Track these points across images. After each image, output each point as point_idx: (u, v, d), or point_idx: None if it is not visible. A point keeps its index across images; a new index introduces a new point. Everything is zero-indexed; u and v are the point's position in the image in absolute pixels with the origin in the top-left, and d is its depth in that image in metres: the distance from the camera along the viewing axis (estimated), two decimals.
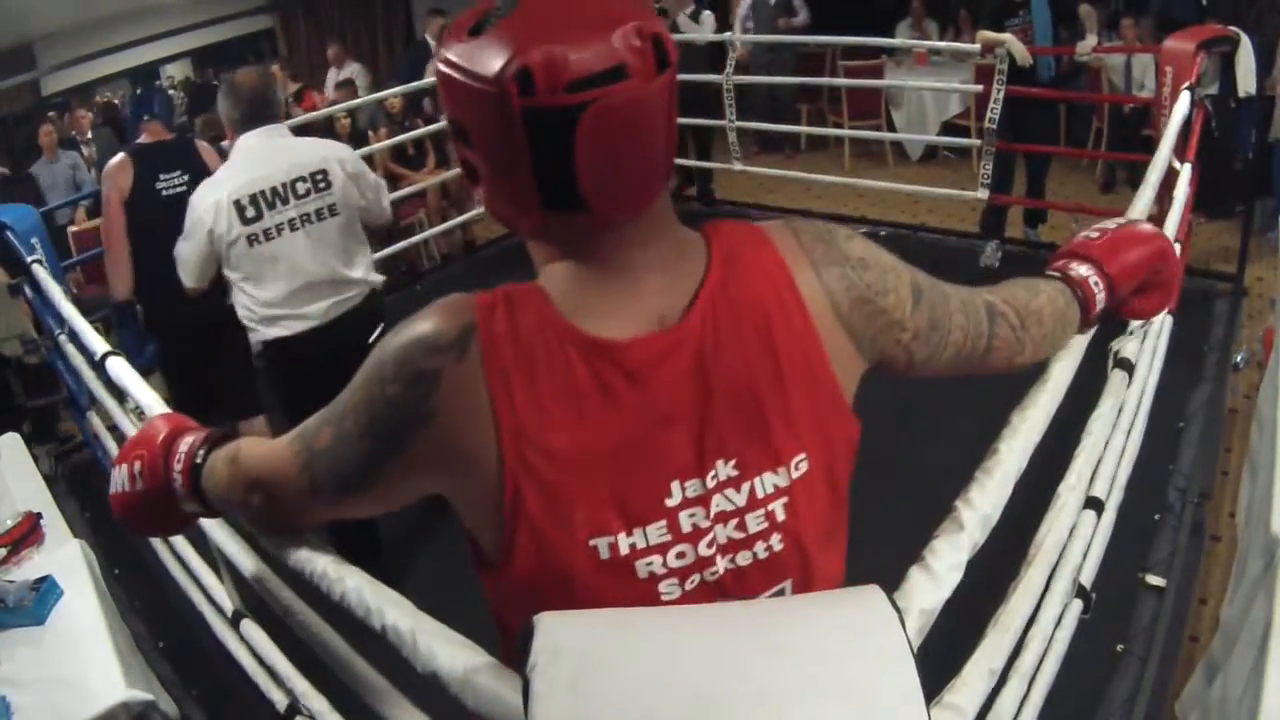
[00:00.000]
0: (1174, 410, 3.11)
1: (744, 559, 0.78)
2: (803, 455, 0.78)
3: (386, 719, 1.16)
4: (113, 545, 3.07)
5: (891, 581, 0.88)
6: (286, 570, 1.12)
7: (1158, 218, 2.81)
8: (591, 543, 0.74)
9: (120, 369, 1.91)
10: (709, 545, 0.77)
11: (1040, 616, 1.34)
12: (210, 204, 2.27)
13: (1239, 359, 3.53)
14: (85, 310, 2.53)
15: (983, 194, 4.50)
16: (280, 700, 1.82)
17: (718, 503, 0.76)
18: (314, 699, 1.57)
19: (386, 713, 1.16)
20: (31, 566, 2.18)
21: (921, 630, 0.84)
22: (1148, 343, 2.02)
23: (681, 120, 0.85)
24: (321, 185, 2.35)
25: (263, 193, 2.29)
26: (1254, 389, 3.19)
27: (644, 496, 0.74)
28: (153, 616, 2.81)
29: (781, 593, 0.81)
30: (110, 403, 2.62)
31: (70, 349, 2.90)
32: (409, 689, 1.14)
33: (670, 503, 0.75)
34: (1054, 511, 1.25)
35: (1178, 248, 2.60)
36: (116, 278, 2.89)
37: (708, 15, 5.70)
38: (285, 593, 1.34)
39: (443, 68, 0.72)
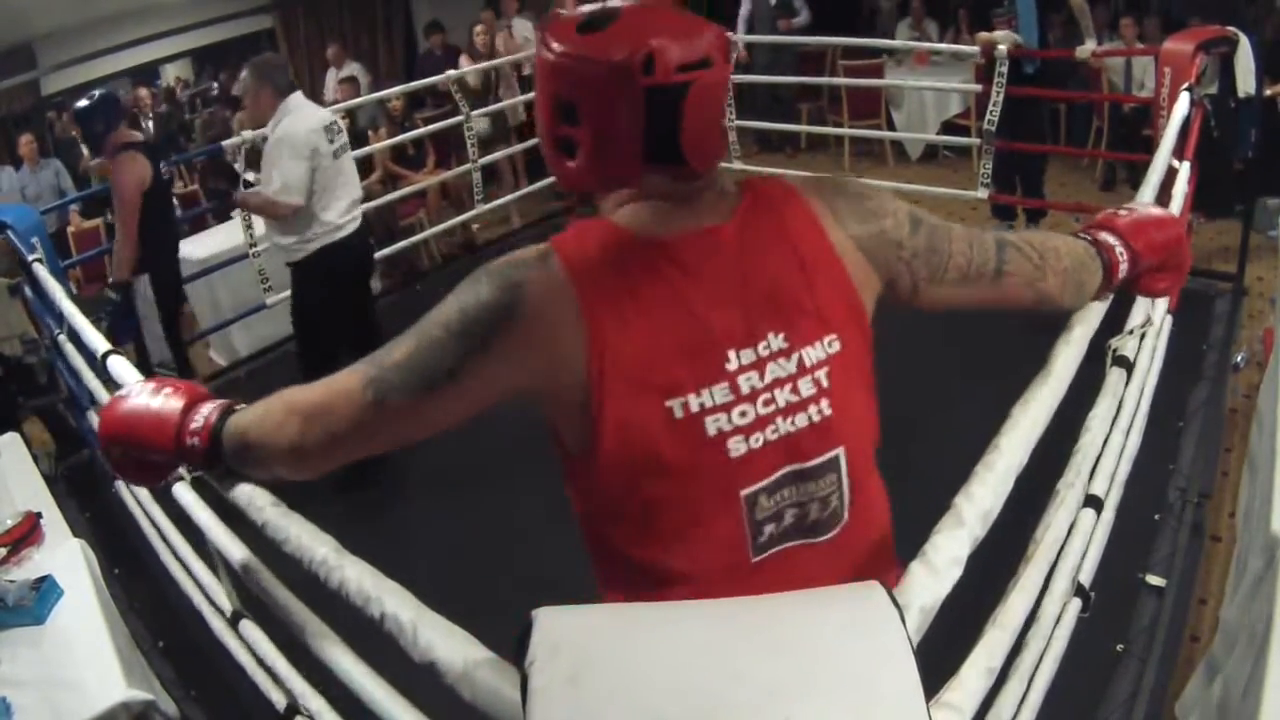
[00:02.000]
0: (1174, 410, 3.12)
1: (801, 421, 0.93)
2: (834, 336, 0.94)
3: (384, 718, 1.16)
4: (113, 545, 3.07)
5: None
6: (284, 567, 1.12)
7: None
8: (667, 403, 0.88)
9: (121, 367, 1.91)
10: (766, 404, 0.91)
11: (1039, 615, 1.33)
12: (307, 130, 3.08)
13: (1239, 359, 3.53)
14: (86, 311, 2.53)
15: (983, 193, 4.51)
16: (279, 700, 1.81)
17: (771, 369, 0.92)
18: (313, 699, 1.57)
19: (383, 712, 1.16)
20: (31, 566, 2.18)
21: (921, 626, 0.83)
22: (1147, 341, 2.02)
23: None
24: (339, 129, 3.25)
25: (326, 126, 3.16)
26: (1254, 389, 3.19)
27: (706, 362, 0.90)
28: (153, 616, 2.81)
29: (835, 460, 0.95)
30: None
31: (70, 348, 2.90)
32: (399, 681, 1.13)
33: (729, 367, 0.90)
34: (1053, 509, 1.24)
35: None
36: (125, 261, 3.44)
37: None
38: (281, 591, 1.34)
39: (561, 55, 0.89)
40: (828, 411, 0.93)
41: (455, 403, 0.92)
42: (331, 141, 3.17)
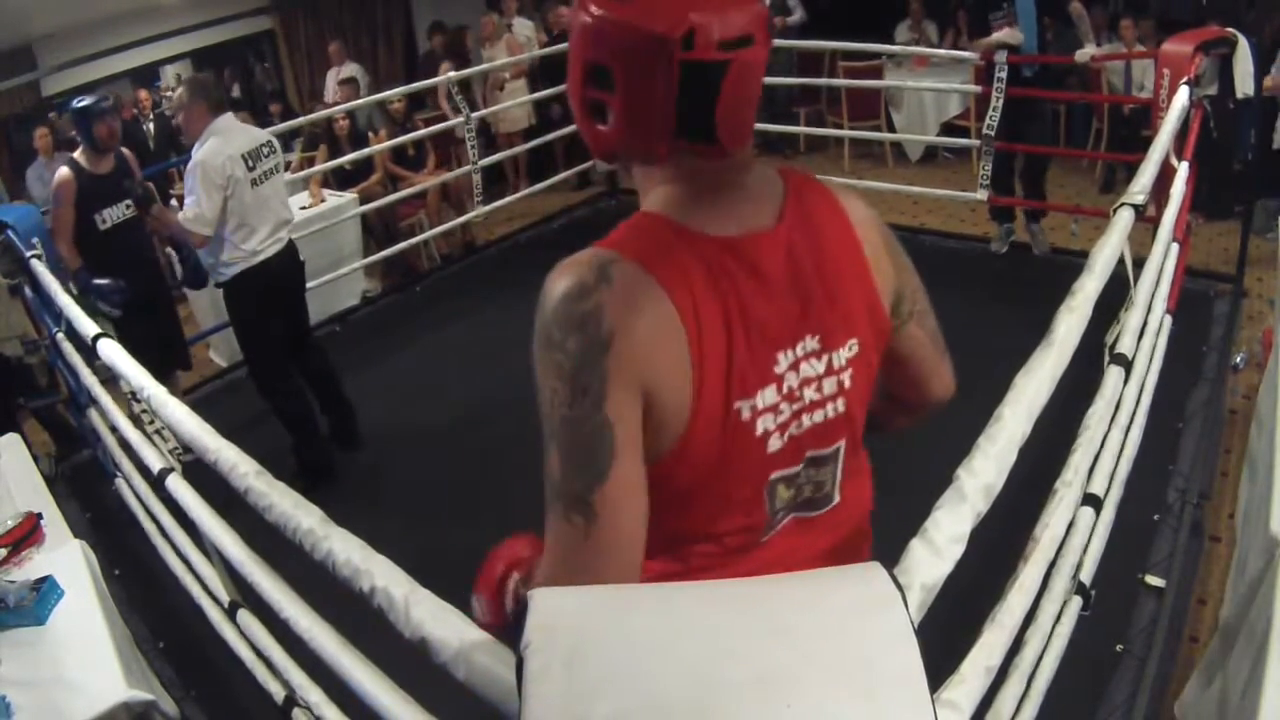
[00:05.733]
0: (1173, 411, 3.12)
1: (818, 417, 0.95)
2: (855, 340, 0.96)
3: (379, 707, 1.15)
4: (113, 545, 3.07)
5: (892, 555, 0.88)
6: (279, 557, 1.11)
7: (1155, 216, 2.82)
8: (735, 404, 0.89)
9: (111, 350, 1.91)
10: (797, 401, 0.93)
11: (1039, 613, 1.33)
12: (225, 158, 3.02)
13: (1238, 360, 3.53)
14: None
15: (982, 195, 4.52)
16: (278, 692, 1.82)
17: (804, 369, 0.93)
18: (311, 690, 1.57)
19: (379, 701, 1.15)
20: (32, 567, 2.18)
21: (923, 605, 0.82)
22: (1146, 342, 2.03)
23: None
24: (269, 152, 3.20)
25: (250, 151, 3.10)
26: (1253, 390, 3.19)
27: (763, 365, 0.90)
28: (153, 616, 2.81)
29: (837, 452, 0.98)
30: (107, 399, 2.62)
31: (68, 347, 2.90)
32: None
33: (777, 370, 0.91)
34: (1051, 507, 1.24)
35: (1176, 247, 2.61)
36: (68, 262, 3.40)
37: None
38: (273, 580, 1.34)
39: (600, 19, 0.86)
40: (841, 409, 0.96)
41: (634, 440, 0.85)
42: (253, 168, 3.11)
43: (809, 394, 0.94)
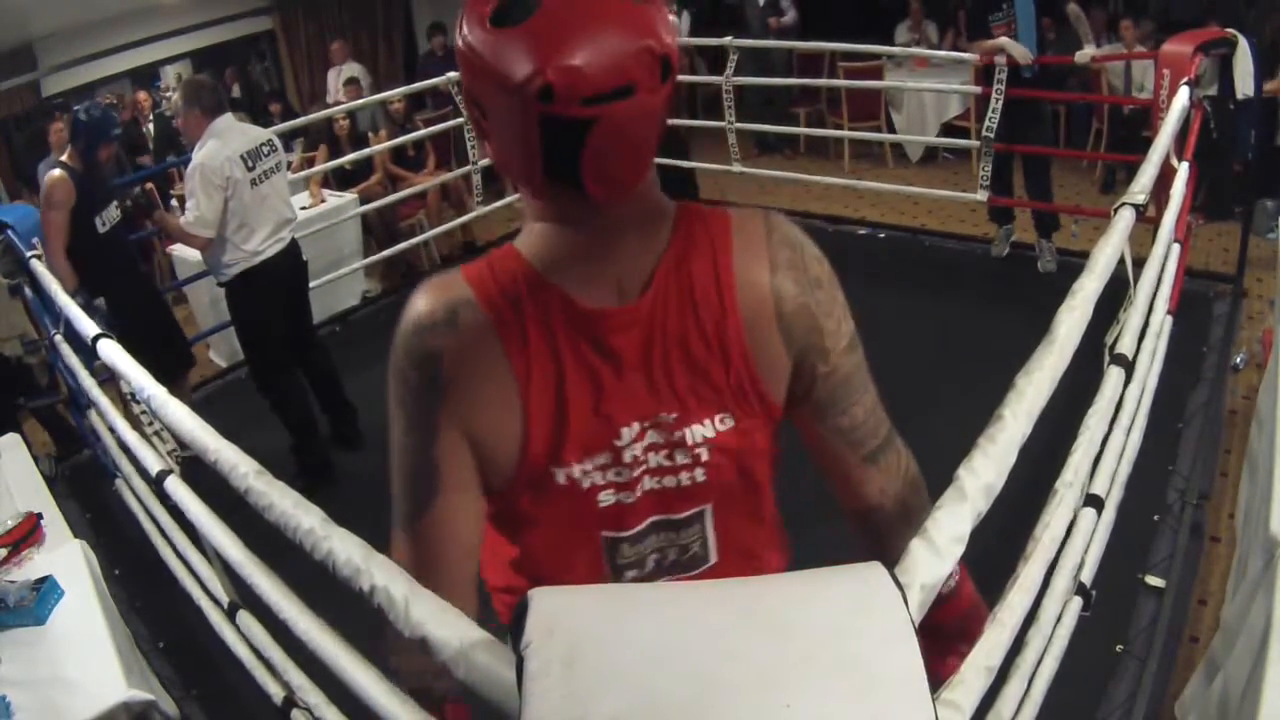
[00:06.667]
0: (1173, 411, 3.12)
1: (668, 483, 0.92)
2: (726, 413, 0.90)
3: (379, 708, 1.15)
4: (113, 545, 3.07)
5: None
6: (279, 559, 1.11)
7: (1155, 216, 2.82)
8: (560, 470, 0.88)
9: (111, 350, 1.91)
10: (639, 466, 0.90)
11: (1040, 614, 1.33)
12: (223, 159, 3.03)
13: (1238, 360, 3.54)
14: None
15: (982, 195, 4.51)
16: (277, 693, 1.82)
17: (651, 436, 0.89)
18: (310, 692, 1.57)
19: (379, 701, 1.15)
20: (32, 567, 2.18)
21: (923, 605, 0.82)
22: (1147, 342, 2.03)
23: (671, 121, 0.92)
24: (269, 151, 3.20)
25: (250, 151, 3.12)
26: (1253, 390, 3.19)
27: (599, 437, 0.88)
28: (153, 616, 2.81)
29: (699, 516, 0.95)
30: (105, 401, 2.61)
31: (67, 348, 2.90)
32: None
33: (618, 443, 0.88)
34: (1052, 507, 1.23)
35: (1177, 248, 2.61)
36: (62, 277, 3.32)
37: (685, 17, 5.74)
38: (273, 581, 1.34)
39: (467, 47, 0.78)
40: (700, 479, 0.92)
41: (464, 490, 0.89)
42: (252, 167, 3.12)
43: (655, 459, 0.90)
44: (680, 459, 0.91)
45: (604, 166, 0.79)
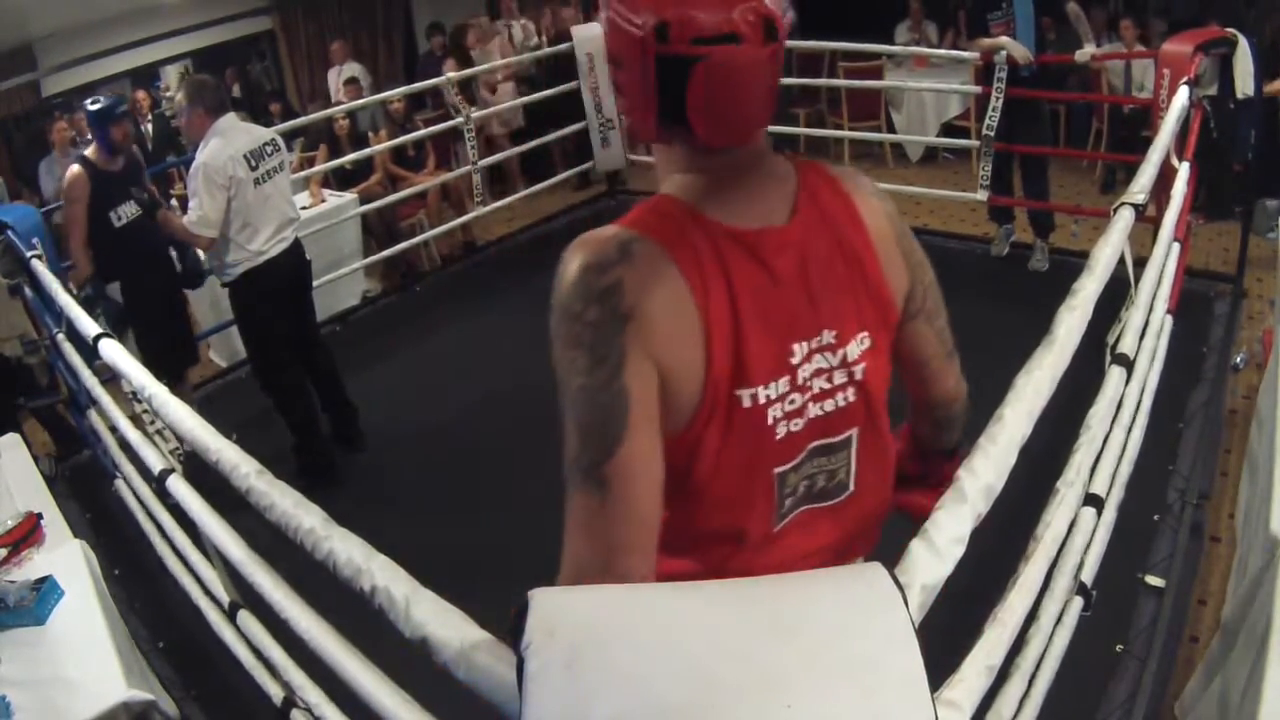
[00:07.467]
0: (1173, 411, 3.12)
1: (828, 406, 0.97)
2: (866, 333, 0.98)
3: (379, 708, 1.15)
4: (113, 545, 3.07)
5: (892, 555, 0.88)
6: (279, 558, 1.11)
7: (1155, 216, 2.82)
8: (737, 392, 0.90)
9: (113, 350, 1.91)
10: (806, 391, 0.95)
11: (1040, 613, 1.33)
12: (226, 158, 3.04)
13: (1238, 360, 3.54)
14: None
15: (982, 195, 4.51)
16: (277, 694, 1.82)
17: (817, 360, 0.95)
18: (310, 691, 1.57)
19: (379, 701, 1.15)
20: (32, 567, 2.18)
21: (924, 606, 0.82)
22: (1147, 342, 2.03)
23: None
24: (272, 150, 3.21)
25: (253, 150, 3.12)
26: (1253, 390, 3.19)
27: (778, 357, 0.92)
28: (153, 616, 2.81)
29: (849, 439, 1.00)
30: (107, 400, 2.62)
31: (68, 347, 2.90)
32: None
33: (793, 361, 0.93)
34: (1053, 506, 1.23)
35: (1177, 247, 2.61)
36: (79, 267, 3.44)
37: None
38: (273, 580, 1.33)
39: (610, 12, 0.91)
40: (852, 398, 0.98)
41: (649, 413, 0.87)
42: (255, 167, 3.13)
43: (819, 384, 0.96)
44: (838, 379, 0.97)
45: (710, 107, 0.88)
